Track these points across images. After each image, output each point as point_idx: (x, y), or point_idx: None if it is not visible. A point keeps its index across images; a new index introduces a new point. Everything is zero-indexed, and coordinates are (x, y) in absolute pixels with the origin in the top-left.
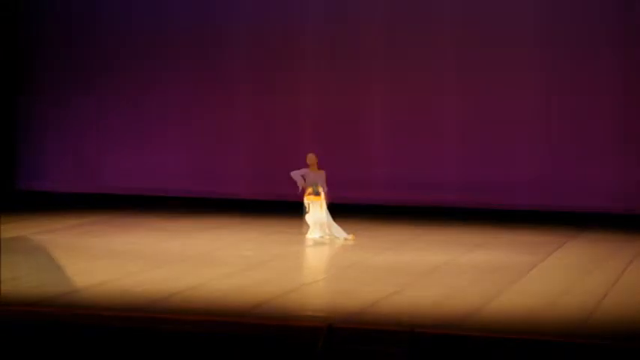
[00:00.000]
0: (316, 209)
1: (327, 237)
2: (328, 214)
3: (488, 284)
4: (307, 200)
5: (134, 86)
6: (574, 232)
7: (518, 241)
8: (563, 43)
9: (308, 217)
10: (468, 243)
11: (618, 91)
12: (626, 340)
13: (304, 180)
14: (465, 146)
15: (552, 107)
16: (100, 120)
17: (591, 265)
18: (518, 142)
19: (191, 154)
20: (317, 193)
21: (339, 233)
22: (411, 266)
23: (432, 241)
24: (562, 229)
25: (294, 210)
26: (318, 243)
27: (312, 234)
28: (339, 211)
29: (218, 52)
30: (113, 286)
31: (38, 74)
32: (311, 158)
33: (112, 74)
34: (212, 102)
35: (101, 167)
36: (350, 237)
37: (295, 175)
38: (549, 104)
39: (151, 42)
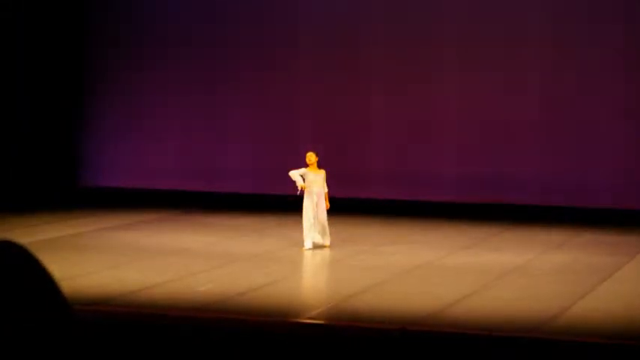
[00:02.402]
0: (310, 210)
1: (323, 240)
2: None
3: (571, 286)
4: (306, 201)
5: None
6: None
7: (598, 241)
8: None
9: (304, 220)
10: (547, 242)
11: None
12: None
13: (303, 180)
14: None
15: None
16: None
17: None
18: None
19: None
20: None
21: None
22: (486, 267)
23: (508, 241)
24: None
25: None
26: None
27: (307, 243)
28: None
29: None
30: (178, 285)
31: (103, 73)
32: (310, 157)
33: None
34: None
35: (157, 164)
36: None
37: (294, 174)
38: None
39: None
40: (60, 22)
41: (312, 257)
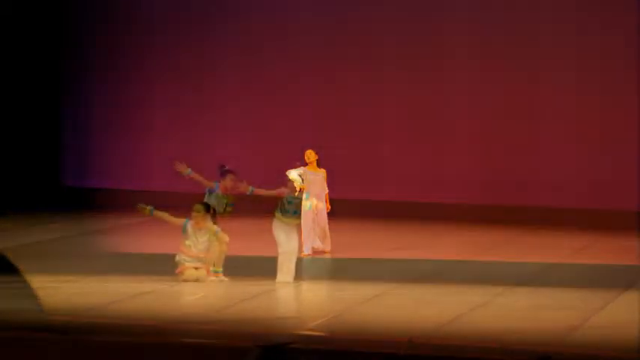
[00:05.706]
0: (309, 212)
1: (323, 245)
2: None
3: (591, 295)
4: (307, 204)
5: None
6: None
7: (621, 246)
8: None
9: (303, 224)
10: (566, 248)
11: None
12: None
13: (302, 180)
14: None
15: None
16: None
17: None
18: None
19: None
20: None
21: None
22: (500, 275)
23: (524, 246)
24: None
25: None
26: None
27: (306, 249)
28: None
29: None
30: (166, 293)
31: (83, 73)
32: (309, 155)
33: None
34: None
35: (147, 165)
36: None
37: (292, 174)
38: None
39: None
40: (50, 20)
41: (311, 264)
